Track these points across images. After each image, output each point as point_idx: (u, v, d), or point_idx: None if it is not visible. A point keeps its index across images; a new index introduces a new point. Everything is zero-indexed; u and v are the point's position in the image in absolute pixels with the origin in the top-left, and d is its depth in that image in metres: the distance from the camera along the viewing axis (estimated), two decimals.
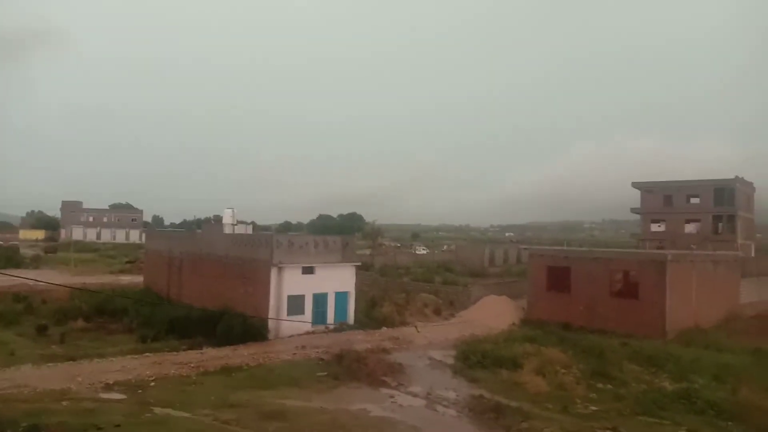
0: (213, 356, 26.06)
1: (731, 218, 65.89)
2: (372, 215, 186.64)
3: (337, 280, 34.52)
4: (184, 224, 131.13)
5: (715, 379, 22.81)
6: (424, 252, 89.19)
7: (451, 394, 21.18)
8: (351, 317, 34.89)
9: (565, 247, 49.31)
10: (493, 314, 38.25)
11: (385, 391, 21.52)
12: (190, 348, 28.08)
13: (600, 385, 22.45)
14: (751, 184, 71.08)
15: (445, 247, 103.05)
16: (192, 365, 24.16)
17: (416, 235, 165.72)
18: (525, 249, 51.22)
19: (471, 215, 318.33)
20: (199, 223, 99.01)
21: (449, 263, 68.88)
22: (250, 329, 29.81)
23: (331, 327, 33.26)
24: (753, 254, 63.71)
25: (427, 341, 30.96)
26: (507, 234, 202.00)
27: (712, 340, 30.14)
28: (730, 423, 18.26)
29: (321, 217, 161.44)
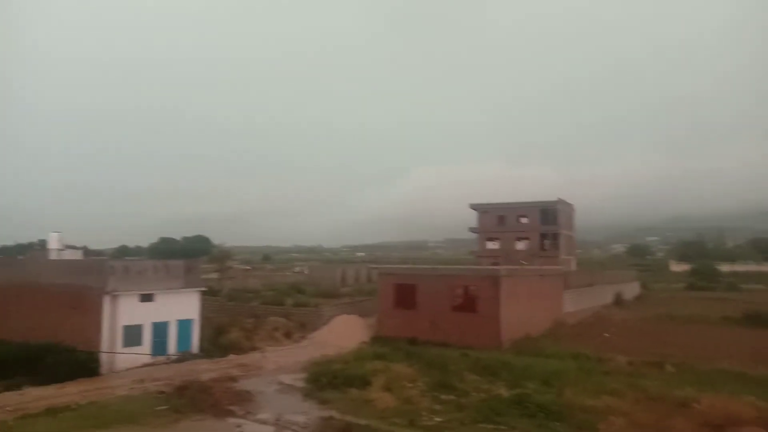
0: (36, 396, 23.40)
1: (555, 236, 72.74)
2: (220, 238, 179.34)
3: (180, 307, 32.78)
4: (4, 250, 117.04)
5: (544, 383, 24.62)
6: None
7: (301, 418, 20.89)
8: (195, 346, 33.26)
9: (411, 265, 51.22)
10: (344, 334, 38.54)
11: (231, 420, 20.68)
12: (7, 389, 24.93)
13: (444, 397, 23.35)
14: (571, 204, 79.26)
15: (297, 268, 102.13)
16: (9, 409, 21.47)
17: (267, 257, 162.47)
18: (374, 268, 52.39)
19: (323, 237, 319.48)
20: (21, 249, 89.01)
21: (301, 284, 68.30)
22: (80, 364, 27.27)
23: (174, 357, 31.44)
24: (574, 268, 70.96)
25: (277, 366, 30.37)
26: (358, 254, 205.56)
27: (541, 348, 32.82)
28: (557, 423, 19.89)
29: (163, 240, 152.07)
